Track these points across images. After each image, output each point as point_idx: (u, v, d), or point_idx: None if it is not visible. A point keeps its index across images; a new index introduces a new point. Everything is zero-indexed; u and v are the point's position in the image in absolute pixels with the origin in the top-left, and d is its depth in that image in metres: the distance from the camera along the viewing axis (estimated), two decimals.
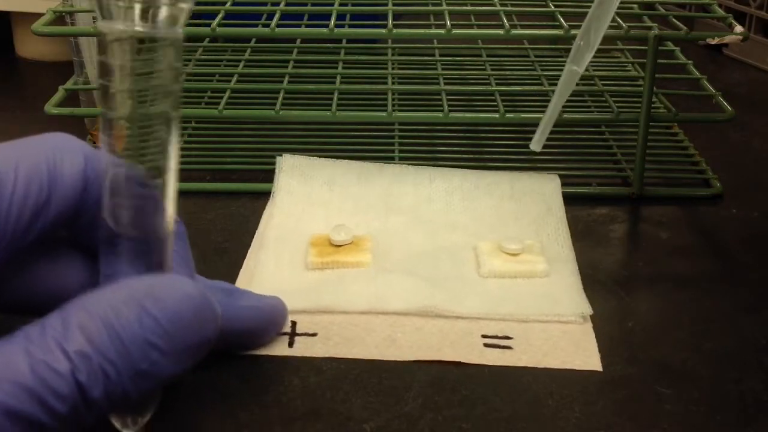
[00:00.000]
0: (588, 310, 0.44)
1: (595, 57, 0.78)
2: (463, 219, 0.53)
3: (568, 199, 0.56)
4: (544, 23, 0.68)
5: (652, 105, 0.57)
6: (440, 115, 0.58)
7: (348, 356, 0.41)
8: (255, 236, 0.51)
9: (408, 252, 0.49)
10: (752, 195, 0.58)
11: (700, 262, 0.50)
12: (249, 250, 0.50)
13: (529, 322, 0.44)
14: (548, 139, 0.65)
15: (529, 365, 0.41)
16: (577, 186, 0.58)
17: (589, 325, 0.44)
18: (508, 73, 0.73)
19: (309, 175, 0.55)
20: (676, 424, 0.38)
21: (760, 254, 0.51)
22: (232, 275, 0.48)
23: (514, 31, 0.55)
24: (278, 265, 0.48)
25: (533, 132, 0.65)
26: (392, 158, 0.61)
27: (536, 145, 0.49)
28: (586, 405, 0.39)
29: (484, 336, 0.43)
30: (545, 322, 0.44)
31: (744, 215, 0.55)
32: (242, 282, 0.47)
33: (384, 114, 0.59)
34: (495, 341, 0.43)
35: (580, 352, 0.42)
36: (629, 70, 0.76)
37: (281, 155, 0.57)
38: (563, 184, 0.58)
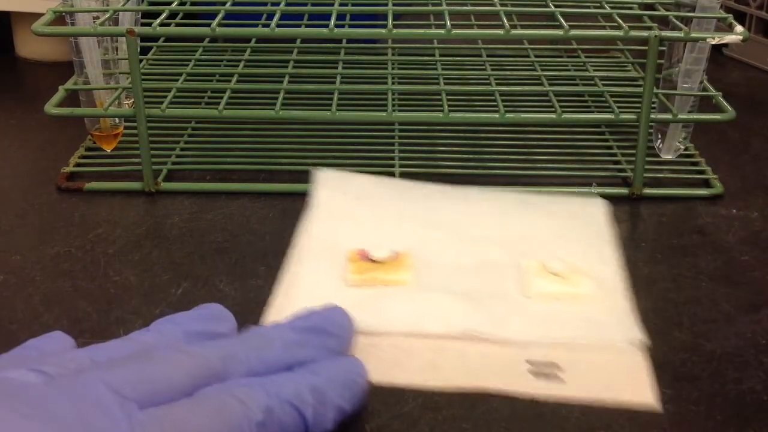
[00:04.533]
0: (640, 336, 0.42)
1: (595, 57, 0.78)
2: (506, 236, 0.50)
3: None
4: (544, 23, 0.68)
5: (652, 105, 0.57)
6: (440, 115, 0.58)
7: (388, 382, 0.39)
8: (291, 250, 0.49)
9: (449, 269, 0.47)
10: (752, 195, 0.58)
11: (700, 262, 0.50)
12: (286, 265, 0.48)
13: (577, 348, 0.41)
14: (548, 139, 0.65)
15: (578, 396, 0.39)
16: (577, 186, 0.58)
17: (642, 353, 0.41)
18: (508, 73, 0.73)
19: (346, 189, 0.54)
20: (676, 424, 0.38)
21: (760, 254, 0.51)
22: (232, 275, 0.48)
23: (514, 31, 0.55)
24: (315, 281, 0.46)
25: (533, 132, 0.66)
26: (392, 158, 0.61)
27: None
28: (586, 405, 0.39)
29: (529, 362, 0.41)
30: (594, 349, 0.41)
31: (744, 215, 0.55)
32: (279, 297, 0.46)
33: (384, 114, 0.59)
34: (542, 369, 0.40)
35: (632, 383, 0.39)
36: (629, 71, 0.76)
37: (319, 169, 0.55)
38: (563, 184, 0.58)
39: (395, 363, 0.41)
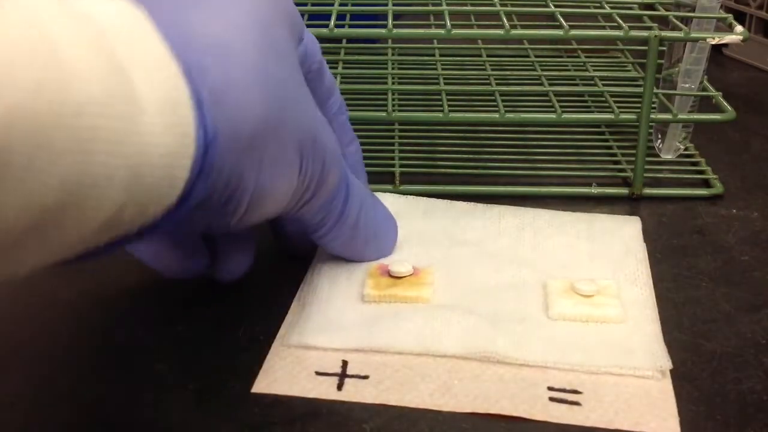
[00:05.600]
0: (667, 363, 0.40)
1: (595, 57, 0.78)
2: (533, 255, 0.49)
3: (568, 200, 0.56)
4: (544, 23, 0.68)
5: (652, 105, 0.57)
6: (440, 115, 0.58)
7: (400, 404, 0.38)
8: (312, 262, 0.49)
9: (471, 287, 0.46)
10: (752, 195, 0.58)
11: (700, 262, 0.50)
12: (304, 278, 0.48)
13: (600, 374, 0.40)
14: (548, 139, 0.65)
15: (598, 425, 0.37)
16: (577, 186, 0.58)
17: (668, 381, 0.40)
18: (508, 73, 0.73)
19: None
20: None
21: (760, 254, 0.51)
22: None
23: (514, 31, 0.55)
24: (332, 294, 0.45)
25: (533, 132, 0.66)
26: (392, 158, 0.61)
27: None
28: None
29: (550, 388, 0.39)
30: (618, 375, 0.40)
31: (744, 215, 0.55)
32: (294, 310, 0.45)
33: (384, 114, 0.59)
34: (562, 395, 0.39)
35: (655, 412, 0.38)
36: (629, 71, 0.76)
37: None
38: (563, 184, 0.59)
39: (408, 384, 0.39)
